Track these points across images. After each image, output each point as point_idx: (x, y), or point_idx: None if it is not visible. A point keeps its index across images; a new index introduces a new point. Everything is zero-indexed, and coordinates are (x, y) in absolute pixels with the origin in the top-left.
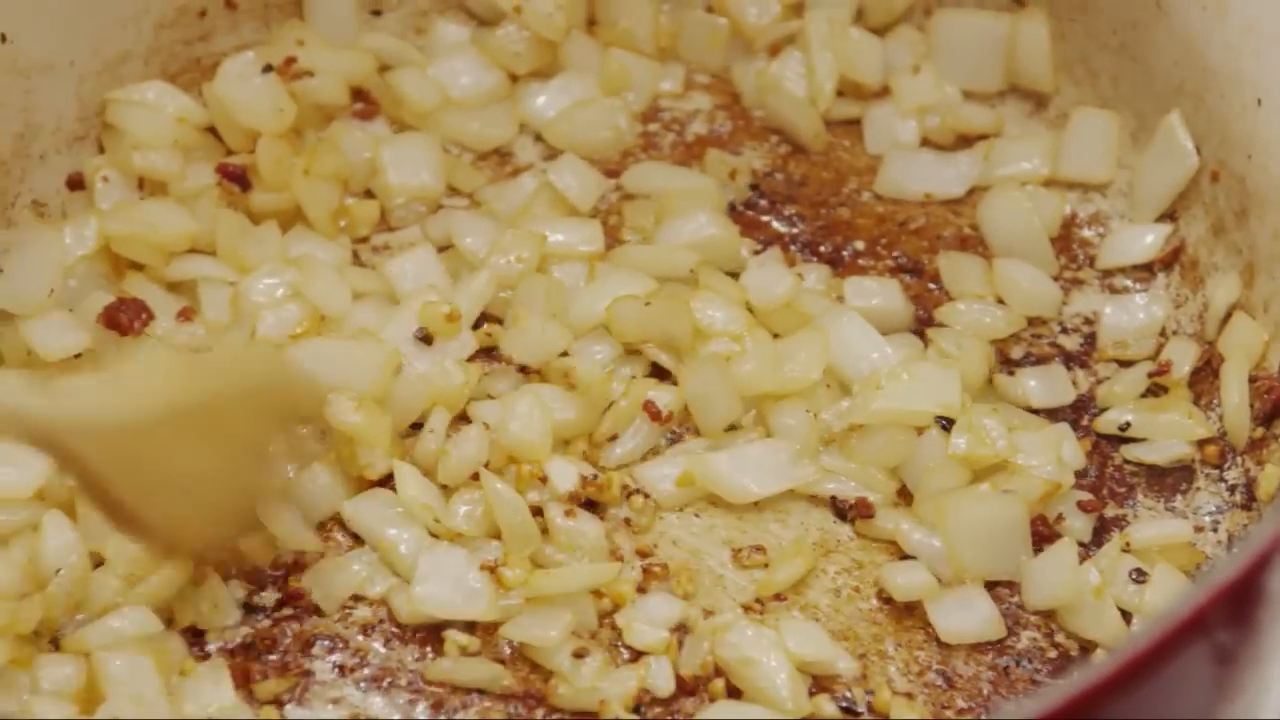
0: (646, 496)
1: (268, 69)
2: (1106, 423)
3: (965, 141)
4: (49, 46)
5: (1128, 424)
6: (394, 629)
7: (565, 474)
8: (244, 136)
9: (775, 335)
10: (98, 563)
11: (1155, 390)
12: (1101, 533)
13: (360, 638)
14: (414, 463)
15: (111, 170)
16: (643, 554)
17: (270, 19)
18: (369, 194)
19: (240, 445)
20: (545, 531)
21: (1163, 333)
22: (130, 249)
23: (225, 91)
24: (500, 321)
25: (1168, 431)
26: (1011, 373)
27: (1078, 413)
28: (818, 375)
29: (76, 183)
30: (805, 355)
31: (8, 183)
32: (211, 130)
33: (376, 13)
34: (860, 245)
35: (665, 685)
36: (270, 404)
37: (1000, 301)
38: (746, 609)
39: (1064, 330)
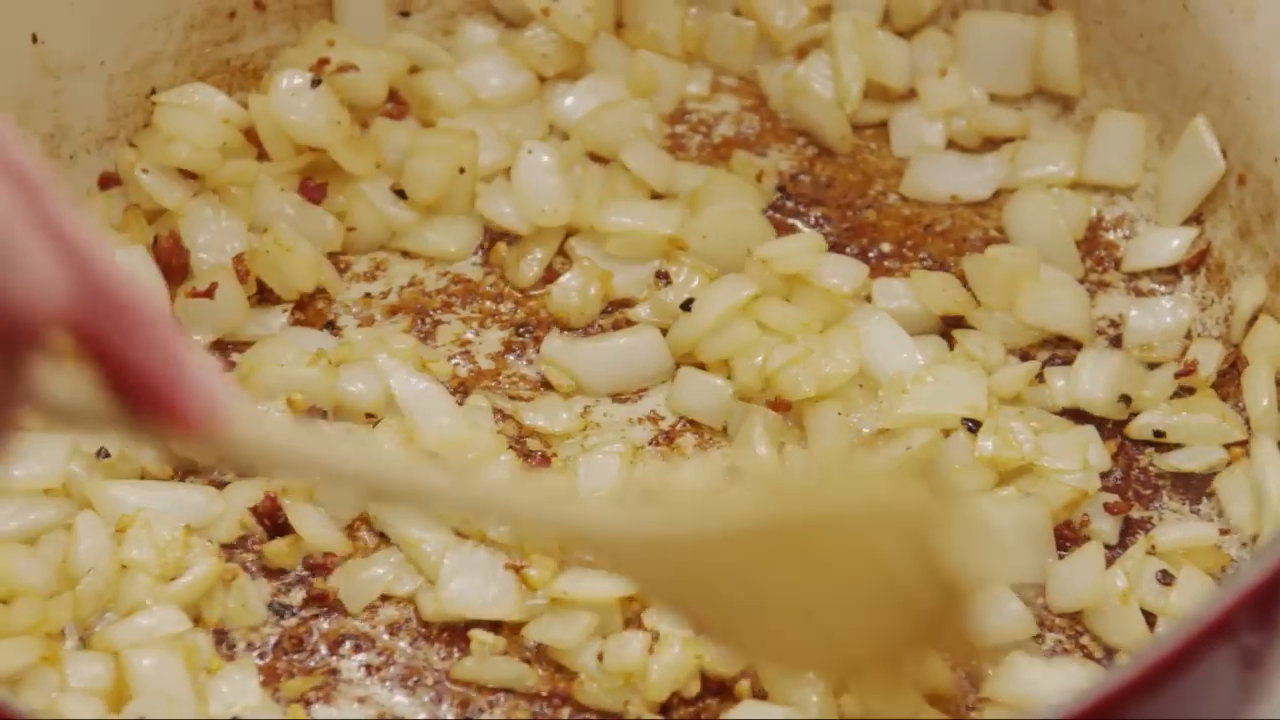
0: None
1: (316, 83)
2: (1140, 428)
3: (991, 144)
4: (79, 47)
5: (1162, 432)
6: (420, 628)
7: None
8: (288, 145)
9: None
10: None
11: (1181, 392)
12: (1126, 534)
13: (387, 637)
14: None
15: (149, 164)
16: None
17: (299, 20)
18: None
19: (863, 573)
20: None
21: (1188, 335)
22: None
23: (280, 111)
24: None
25: (1204, 436)
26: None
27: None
28: (853, 371)
29: (108, 181)
30: (841, 353)
31: None
32: (246, 132)
33: (405, 14)
34: (886, 247)
35: (692, 686)
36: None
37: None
38: None
39: None
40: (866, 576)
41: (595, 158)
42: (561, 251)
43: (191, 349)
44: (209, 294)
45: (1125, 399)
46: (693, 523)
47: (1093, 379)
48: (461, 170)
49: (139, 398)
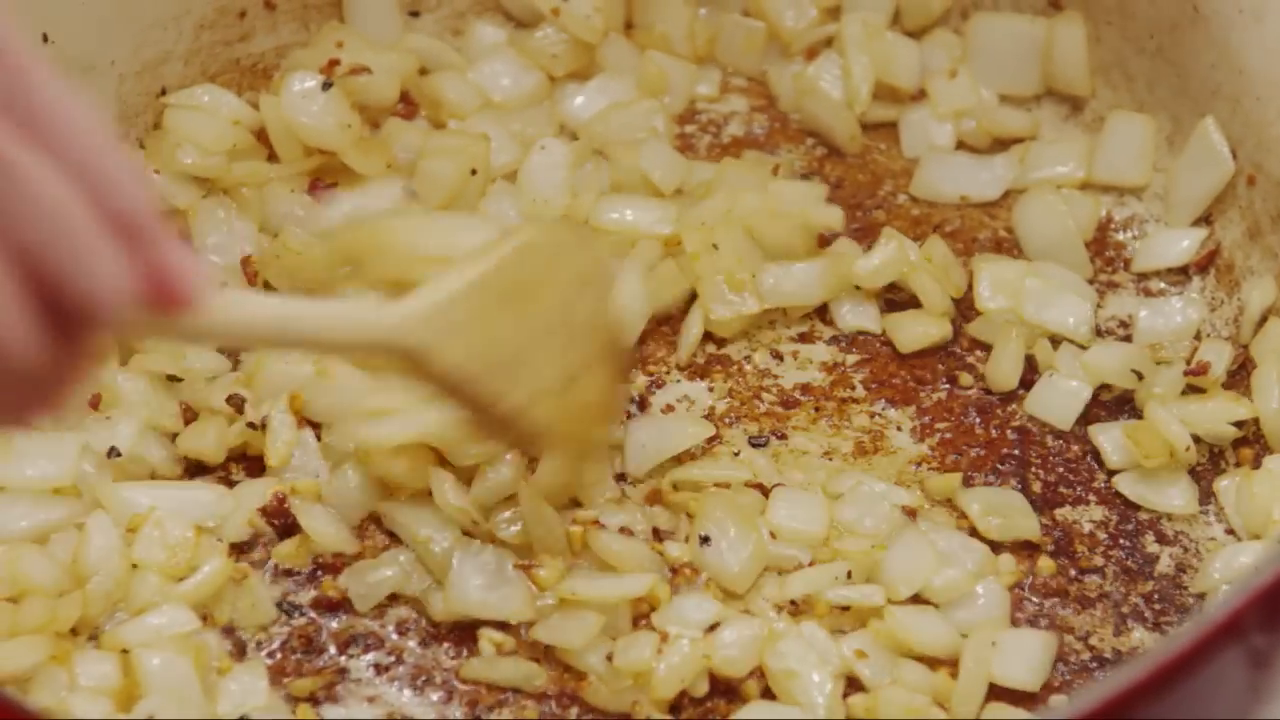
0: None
1: (328, 85)
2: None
3: (1001, 144)
4: (90, 47)
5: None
6: (429, 628)
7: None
8: (298, 146)
9: None
10: None
11: (1190, 391)
12: (1137, 536)
13: (396, 637)
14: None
15: (158, 167)
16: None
17: (309, 20)
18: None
19: (548, 302)
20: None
21: (1197, 336)
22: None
23: (291, 114)
24: None
25: (1214, 416)
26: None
27: (1115, 411)
28: None
29: None
30: None
31: None
32: (256, 133)
33: (414, 14)
34: None
35: (700, 686)
36: (575, 273)
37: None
38: (779, 608)
39: (1099, 333)
40: (561, 305)
41: (606, 158)
42: None
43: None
44: None
45: (1138, 373)
46: (439, 291)
47: (1108, 353)
48: (473, 172)
49: (151, 286)
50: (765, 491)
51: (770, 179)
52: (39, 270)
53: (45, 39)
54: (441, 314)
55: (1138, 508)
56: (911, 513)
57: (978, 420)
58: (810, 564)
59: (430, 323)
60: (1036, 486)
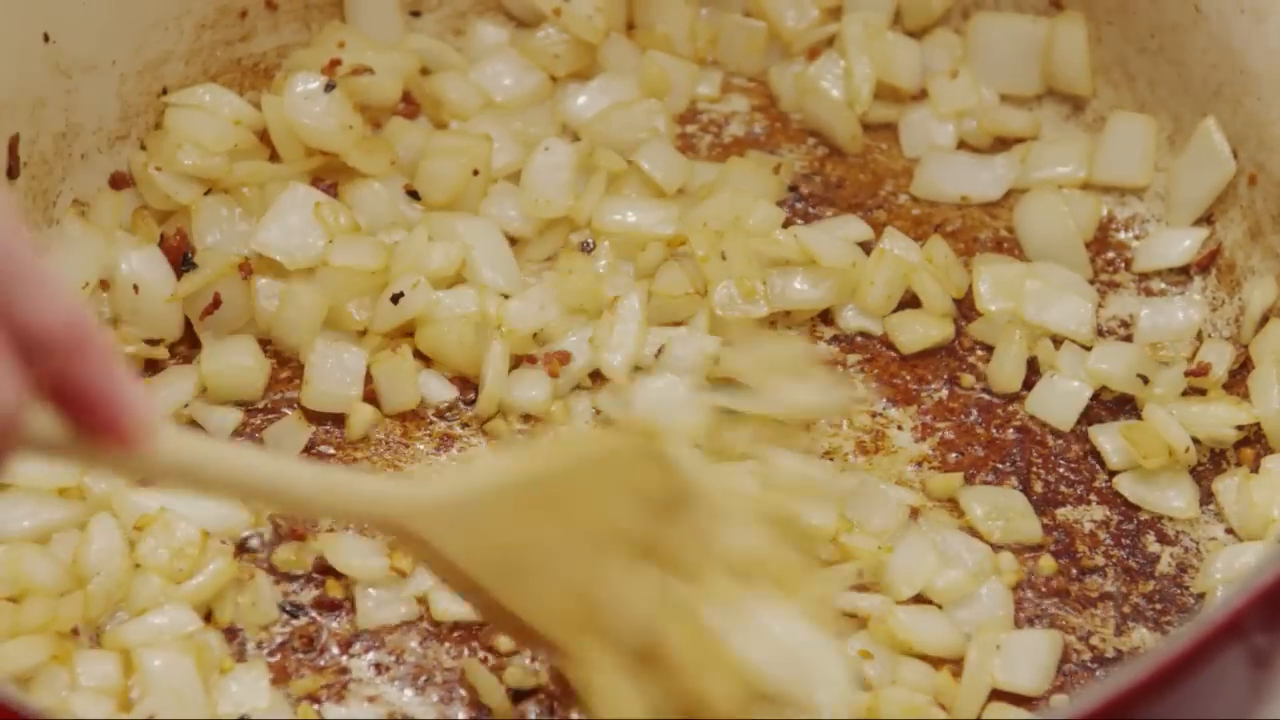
0: None
1: (330, 87)
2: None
3: (1002, 144)
4: (91, 46)
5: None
6: (430, 628)
7: None
8: (300, 146)
9: None
10: None
11: (1190, 392)
12: (1138, 536)
13: (398, 636)
14: None
15: (160, 165)
16: None
17: (310, 20)
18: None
19: (595, 522)
20: None
21: (1199, 336)
22: None
23: (293, 115)
24: None
25: (1215, 419)
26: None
27: (1115, 412)
28: None
29: (119, 182)
30: None
31: (49, 182)
32: (258, 133)
33: (415, 14)
34: None
35: None
36: (630, 480)
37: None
38: None
39: (1101, 333)
40: (605, 514)
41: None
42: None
43: (126, 370)
44: (214, 307)
45: (1143, 377)
46: (458, 484)
47: (1112, 356)
48: (475, 173)
49: (81, 414)
50: None
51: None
52: None
53: (46, 39)
54: (456, 508)
55: (1139, 507)
56: (914, 512)
57: (979, 420)
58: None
59: (441, 514)
60: (1038, 486)
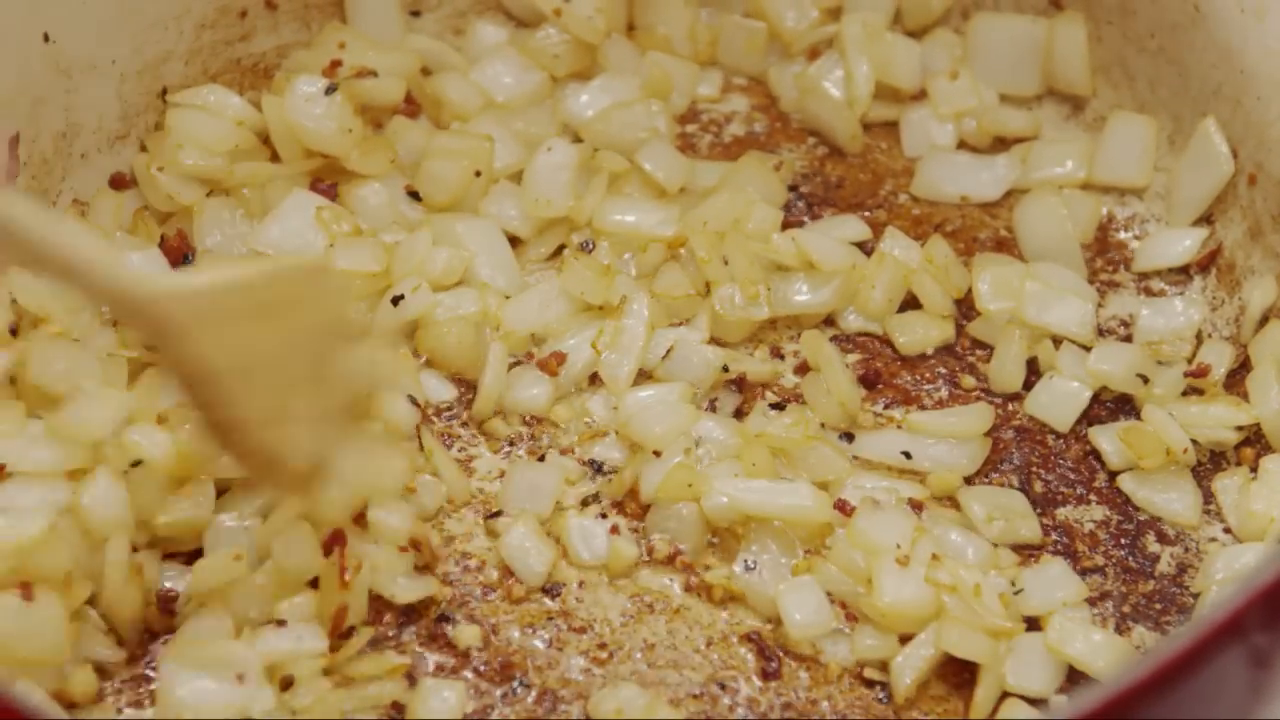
0: None
1: (331, 89)
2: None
3: (1002, 144)
4: (91, 46)
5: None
6: (432, 627)
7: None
8: (300, 147)
9: None
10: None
11: (1190, 392)
12: (1138, 536)
13: (398, 635)
14: None
15: (162, 165)
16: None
17: (310, 20)
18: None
19: (310, 346)
20: None
21: (1198, 335)
22: None
23: (295, 118)
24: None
25: (1215, 421)
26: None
27: (1115, 412)
28: None
29: (120, 183)
30: None
31: (50, 181)
32: (259, 133)
33: (415, 13)
34: None
35: None
36: (329, 315)
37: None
38: None
39: (1100, 333)
40: (310, 339)
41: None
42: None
43: None
44: None
45: (1143, 377)
46: (201, 281)
47: (1112, 356)
48: (477, 174)
49: None
50: None
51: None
52: None
53: (46, 38)
54: (205, 300)
55: (1139, 508)
56: (918, 505)
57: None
58: (806, 553)
59: (192, 304)
60: (1038, 486)
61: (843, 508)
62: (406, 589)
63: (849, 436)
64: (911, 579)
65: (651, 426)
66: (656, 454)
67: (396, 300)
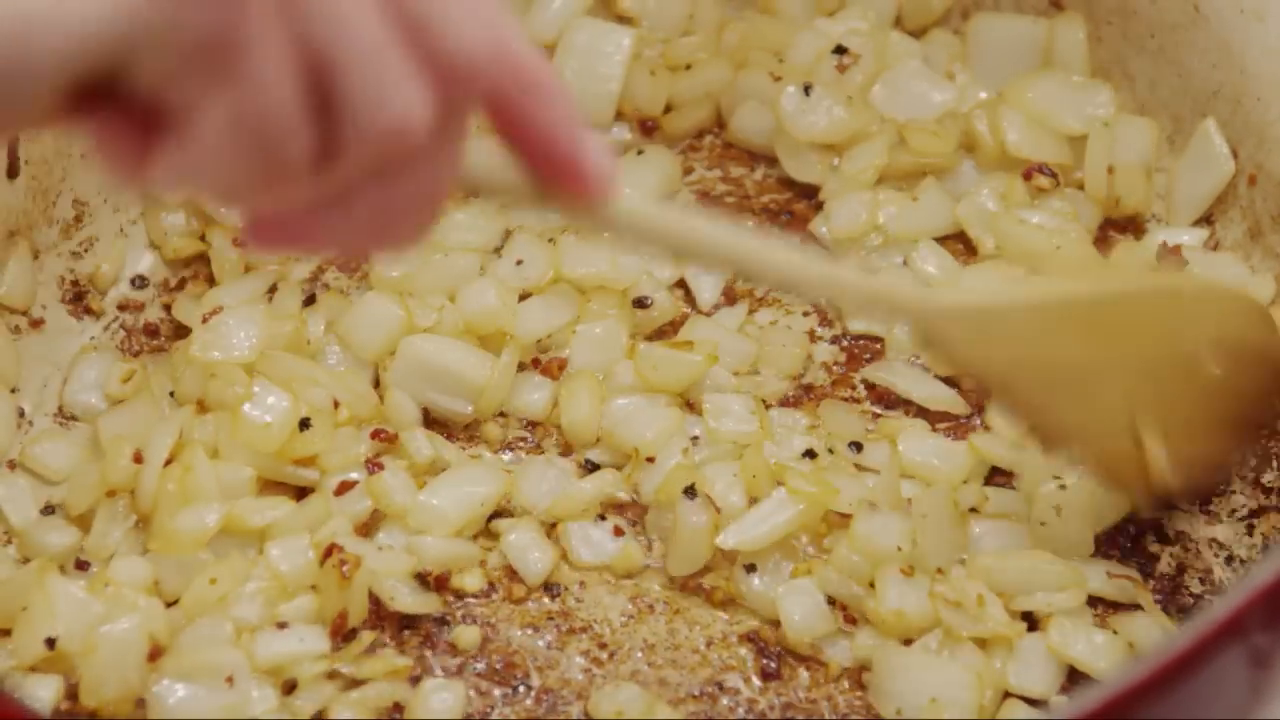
0: None
1: None
2: None
3: None
4: None
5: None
6: (431, 627)
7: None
8: None
9: None
10: None
11: None
12: (1137, 536)
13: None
14: None
15: None
16: None
17: None
18: None
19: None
20: None
21: None
22: None
23: None
24: None
25: None
26: None
27: None
28: None
29: None
30: None
31: (50, 181)
32: None
33: None
34: None
35: None
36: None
37: None
38: None
39: None
40: (1154, 347)
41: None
42: None
43: (587, 125)
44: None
45: None
46: (997, 297)
47: None
48: None
49: (546, 166)
50: None
51: None
52: (326, 82)
53: None
54: (979, 319)
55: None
56: None
57: (980, 420)
58: (806, 554)
59: (964, 323)
60: None
61: (842, 511)
62: (410, 601)
63: (857, 446)
64: (915, 588)
65: (642, 432)
66: (650, 460)
67: None
